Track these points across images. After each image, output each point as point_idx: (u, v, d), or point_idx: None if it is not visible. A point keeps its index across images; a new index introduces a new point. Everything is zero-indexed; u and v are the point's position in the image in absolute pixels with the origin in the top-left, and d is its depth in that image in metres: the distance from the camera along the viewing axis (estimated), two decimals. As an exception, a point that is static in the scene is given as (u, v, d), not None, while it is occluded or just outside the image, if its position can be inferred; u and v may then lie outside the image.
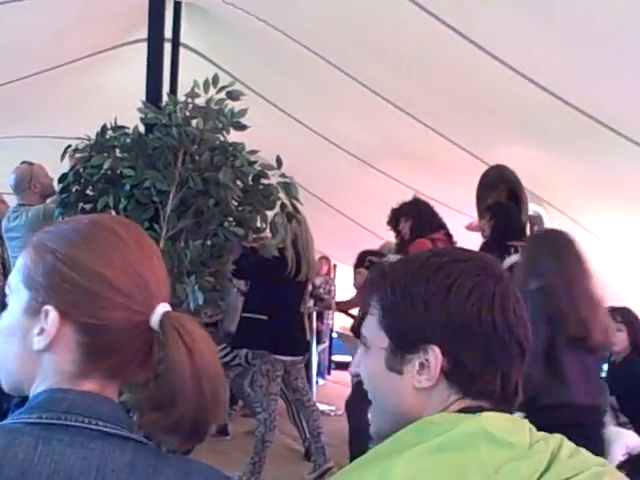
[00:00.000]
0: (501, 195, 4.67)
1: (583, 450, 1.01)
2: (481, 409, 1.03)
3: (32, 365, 0.97)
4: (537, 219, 4.78)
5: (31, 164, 4.67)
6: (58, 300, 0.95)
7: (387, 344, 1.09)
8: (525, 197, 4.55)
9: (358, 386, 4.95)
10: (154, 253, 1.02)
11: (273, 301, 5.07)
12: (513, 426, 1.00)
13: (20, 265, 1.00)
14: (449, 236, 4.66)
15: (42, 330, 0.95)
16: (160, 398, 0.94)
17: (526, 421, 1.02)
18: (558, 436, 1.01)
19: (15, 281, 0.99)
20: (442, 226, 4.68)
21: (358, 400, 4.73)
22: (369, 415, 1.18)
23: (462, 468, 0.93)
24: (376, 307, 1.11)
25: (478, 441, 0.96)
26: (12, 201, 5.28)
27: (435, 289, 1.05)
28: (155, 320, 0.95)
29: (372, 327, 1.11)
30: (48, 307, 0.95)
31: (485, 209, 4.53)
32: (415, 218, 4.65)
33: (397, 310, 1.08)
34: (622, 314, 4.20)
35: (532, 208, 4.66)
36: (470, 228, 4.82)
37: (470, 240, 4.62)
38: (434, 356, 1.04)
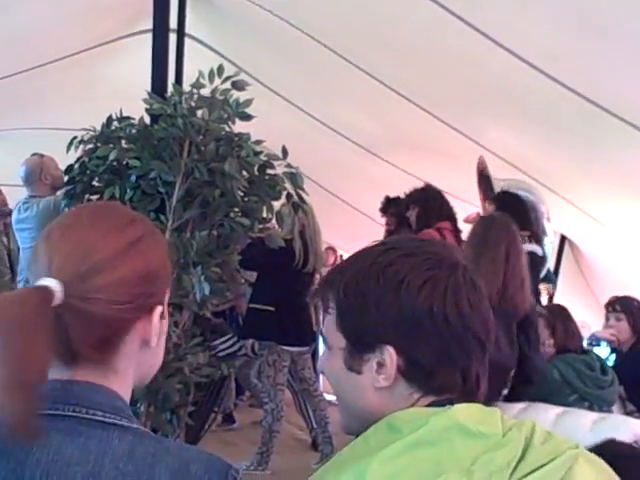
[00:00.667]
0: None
1: (555, 434, 0.99)
2: (450, 401, 1.01)
3: None
4: (531, 207, 4.74)
5: (41, 156, 4.69)
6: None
7: (344, 344, 1.07)
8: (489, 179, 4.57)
9: None
10: (71, 227, 0.97)
11: (280, 292, 5.07)
12: (485, 416, 0.99)
13: None
14: (456, 227, 4.62)
15: None
16: None
17: (497, 409, 1.01)
18: (529, 422, 0.99)
19: None
20: (450, 216, 4.64)
21: None
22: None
23: (438, 463, 0.92)
24: (333, 307, 1.09)
25: (452, 434, 0.95)
26: (13, 193, 5.31)
27: (386, 288, 1.03)
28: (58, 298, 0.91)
29: (330, 327, 1.09)
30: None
31: (492, 199, 4.52)
32: (422, 206, 4.61)
33: (351, 311, 1.06)
34: (621, 303, 4.19)
35: (524, 195, 4.61)
36: (468, 221, 4.80)
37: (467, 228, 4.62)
38: (389, 356, 1.02)
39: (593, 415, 3.32)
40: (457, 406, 0.99)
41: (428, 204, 4.60)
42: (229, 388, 6.29)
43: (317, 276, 5.35)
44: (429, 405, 1.02)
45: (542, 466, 0.93)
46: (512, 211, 4.43)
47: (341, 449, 1.03)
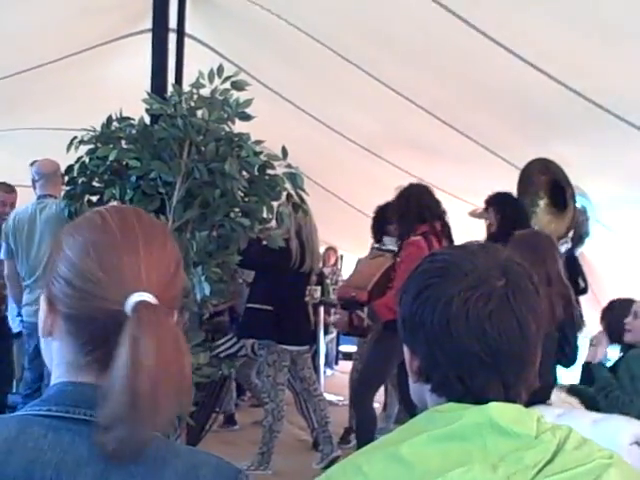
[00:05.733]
0: (542, 188, 4.69)
1: (591, 442, 1.00)
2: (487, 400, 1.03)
3: (48, 352, 1.01)
4: (581, 212, 4.78)
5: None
6: (49, 290, 0.97)
7: None
8: (571, 189, 4.55)
9: (361, 376, 4.96)
10: (145, 241, 0.97)
11: (277, 292, 5.07)
12: (520, 417, 1.00)
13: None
14: (445, 226, 4.53)
15: (40, 318, 0.99)
16: (102, 390, 0.90)
17: (535, 411, 1.03)
18: (566, 427, 1.01)
19: None
20: (433, 216, 4.47)
21: (362, 389, 4.75)
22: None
23: (467, 455, 0.94)
24: None
25: (484, 431, 0.97)
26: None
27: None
28: (128, 310, 0.91)
29: None
30: (42, 296, 0.99)
31: (488, 201, 4.51)
32: (401, 214, 4.53)
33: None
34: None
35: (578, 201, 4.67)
36: (474, 215, 4.80)
37: (473, 227, 4.62)
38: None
39: (593, 415, 3.32)
40: (493, 404, 1.01)
41: (405, 213, 4.50)
42: (230, 388, 6.29)
43: (314, 276, 5.35)
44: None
45: (567, 470, 0.94)
46: (513, 211, 4.44)
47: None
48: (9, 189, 5.40)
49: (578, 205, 4.70)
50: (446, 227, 4.53)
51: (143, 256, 0.95)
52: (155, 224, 1.03)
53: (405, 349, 1.11)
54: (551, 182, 4.70)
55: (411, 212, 4.44)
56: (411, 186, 4.61)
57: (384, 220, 5.43)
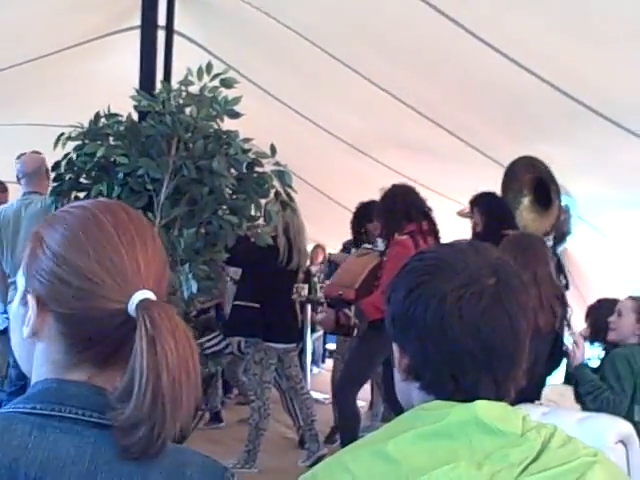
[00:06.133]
0: (526, 185, 4.70)
1: (576, 440, 1.02)
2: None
3: (30, 352, 0.98)
4: (563, 210, 4.80)
5: (39, 153, 4.66)
6: (37, 289, 0.95)
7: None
8: (556, 187, 4.57)
9: (345, 374, 4.97)
10: (139, 238, 0.97)
11: (265, 289, 5.07)
12: (506, 415, 1.01)
13: (24, 254, 1.00)
14: (432, 225, 4.54)
15: (28, 319, 0.95)
16: (118, 391, 0.90)
17: (521, 410, 1.03)
18: (551, 425, 1.02)
19: (20, 271, 1.00)
20: (419, 216, 4.48)
21: (345, 387, 4.75)
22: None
23: (452, 453, 0.95)
24: None
25: (470, 428, 0.97)
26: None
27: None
28: (131, 308, 0.92)
29: None
30: (29, 296, 0.96)
31: (473, 202, 4.53)
32: (387, 215, 4.53)
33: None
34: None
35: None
36: (462, 214, 4.82)
37: (458, 227, 4.63)
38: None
39: (578, 414, 3.33)
40: (480, 402, 1.01)
41: (391, 212, 4.50)
42: (216, 386, 6.28)
43: (301, 273, 5.35)
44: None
45: (552, 468, 0.95)
46: (498, 210, 4.47)
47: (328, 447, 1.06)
48: (3, 188, 5.39)
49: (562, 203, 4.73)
50: (433, 225, 4.54)
51: (140, 253, 0.96)
52: (142, 218, 1.03)
53: (394, 347, 1.11)
54: (535, 180, 4.72)
55: (397, 211, 4.44)
56: (395, 186, 4.62)
57: (364, 218, 5.49)
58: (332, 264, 6.10)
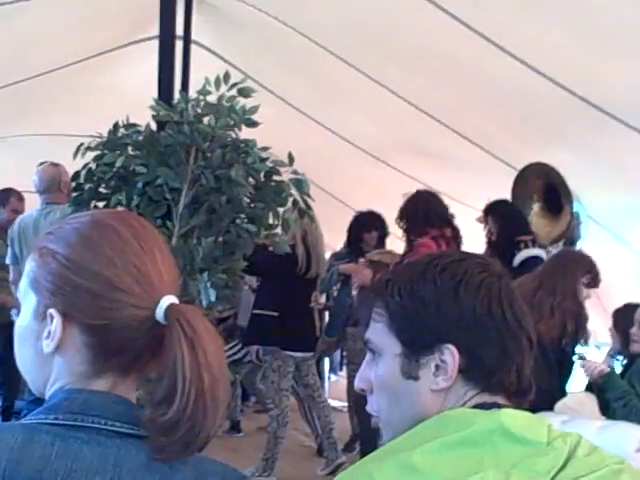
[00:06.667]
0: (537, 192, 4.70)
1: (600, 448, 1.01)
2: (497, 405, 1.03)
3: (46, 368, 0.98)
4: (574, 215, 4.79)
5: (56, 165, 4.71)
6: (61, 303, 0.95)
7: (400, 350, 1.09)
8: (568, 193, 4.56)
9: None
10: (155, 245, 0.99)
11: (283, 298, 5.07)
12: (531, 423, 1.00)
13: (27, 269, 0.99)
14: (455, 233, 4.53)
15: (49, 333, 0.95)
16: (160, 393, 0.91)
17: (545, 419, 1.03)
18: (576, 434, 1.01)
19: (24, 285, 0.99)
20: (441, 223, 4.47)
21: (363, 396, 4.72)
22: (380, 424, 1.18)
23: (479, 462, 0.94)
24: (382, 313, 1.11)
25: (496, 437, 0.96)
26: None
27: (444, 289, 1.07)
28: (160, 313, 0.93)
29: (381, 333, 1.11)
30: (52, 311, 0.95)
31: (487, 210, 4.52)
32: (409, 218, 4.53)
33: (408, 314, 1.08)
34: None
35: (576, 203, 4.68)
36: (481, 221, 4.81)
37: (478, 236, 4.61)
38: (451, 355, 1.05)
39: (598, 422, 3.31)
40: (505, 410, 1.01)
41: (414, 216, 4.48)
42: (235, 395, 6.29)
43: (319, 282, 5.35)
44: (476, 407, 1.04)
45: (581, 477, 0.94)
46: (512, 218, 4.45)
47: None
48: (21, 197, 5.45)
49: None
50: (455, 232, 4.52)
51: (160, 260, 0.98)
52: (151, 227, 1.05)
53: (447, 350, 1.06)
54: (546, 186, 4.71)
55: (419, 215, 4.44)
56: (419, 191, 4.64)
57: (362, 227, 5.53)
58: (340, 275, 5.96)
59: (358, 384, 1.16)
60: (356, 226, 5.70)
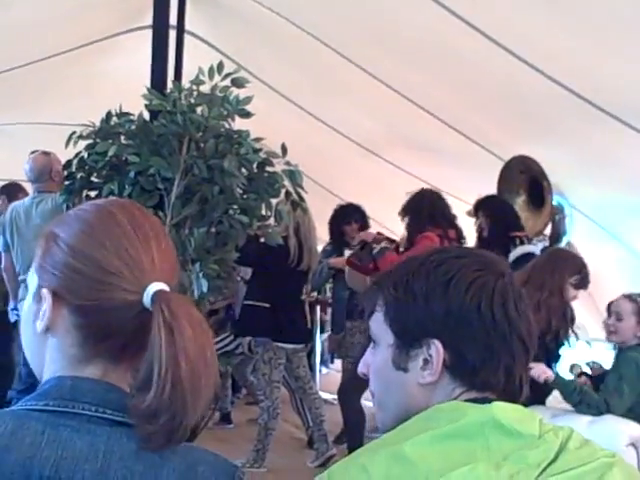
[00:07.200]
0: (521, 185, 4.70)
1: (592, 442, 1.02)
2: (488, 400, 1.04)
3: (42, 349, 0.99)
4: (558, 209, 4.79)
5: (47, 153, 4.70)
6: (53, 283, 0.96)
7: (393, 340, 1.11)
8: (548, 184, 4.57)
9: (349, 375, 4.95)
10: (152, 233, 1.00)
11: (275, 289, 5.07)
12: (523, 416, 1.01)
13: (36, 253, 1.02)
14: (459, 234, 4.51)
15: (43, 313, 0.96)
16: (138, 379, 0.91)
17: (537, 412, 1.04)
18: (567, 428, 1.02)
19: (31, 269, 1.02)
20: (443, 224, 4.40)
21: (350, 389, 4.74)
22: (374, 406, 1.18)
23: (470, 454, 0.95)
24: (381, 304, 1.13)
25: (487, 430, 0.97)
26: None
27: (435, 284, 1.08)
28: (147, 299, 0.93)
29: (379, 323, 1.14)
30: (44, 290, 0.96)
31: (477, 206, 4.51)
32: (412, 217, 4.50)
33: (399, 305, 1.10)
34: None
35: (555, 199, 4.69)
36: (471, 214, 4.81)
37: (467, 228, 4.61)
38: (435, 350, 1.06)
39: (589, 417, 3.32)
40: (497, 403, 1.02)
41: (417, 213, 4.46)
42: (226, 386, 6.28)
43: (311, 274, 5.35)
44: (467, 401, 1.04)
45: (571, 469, 0.94)
46: (504, 214, 4.45)
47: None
48: (18, 188, 5.47)
49: (554, 202, 4.71)
50: (459, 233, 4.50)
51: (154, 247, 0.98)
52: (153, 217, 1.06)
53: (433, 345, 1.06)
54: (530, 179, 4.73)
55: (424, 215, 4.41)
56: (423, 189, 4.63)
57: (342, 220, 5.57)
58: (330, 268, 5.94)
59: (361, 369, 1.18)
60: (336, 219, 5.75)
